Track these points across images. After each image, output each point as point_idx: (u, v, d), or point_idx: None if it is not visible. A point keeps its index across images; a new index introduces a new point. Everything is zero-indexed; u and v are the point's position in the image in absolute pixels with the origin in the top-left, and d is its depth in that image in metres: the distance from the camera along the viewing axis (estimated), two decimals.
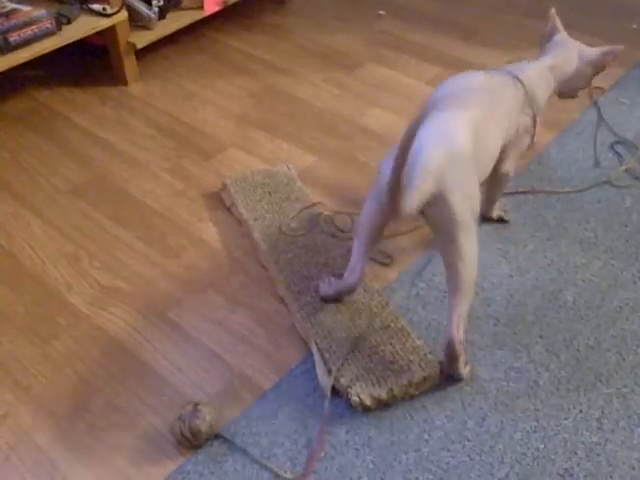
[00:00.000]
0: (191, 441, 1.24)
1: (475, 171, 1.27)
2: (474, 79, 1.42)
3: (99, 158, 1.95)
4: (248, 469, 1.22)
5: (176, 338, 1.45)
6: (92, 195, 1.82)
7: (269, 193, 1.74)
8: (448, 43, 2.46)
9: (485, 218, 1.67)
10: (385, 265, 1.59)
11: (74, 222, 1.73)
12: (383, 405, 1.30)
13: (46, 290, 1.56)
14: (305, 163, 1.90)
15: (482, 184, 1.37)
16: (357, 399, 1.28)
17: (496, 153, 1.41)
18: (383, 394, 1.29)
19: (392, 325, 1.41)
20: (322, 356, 1.35)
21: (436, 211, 1.21)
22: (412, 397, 1.32)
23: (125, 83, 2.23)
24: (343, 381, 1.30)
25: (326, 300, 1.46)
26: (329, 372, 1.32)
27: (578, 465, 1.22)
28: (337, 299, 1.46)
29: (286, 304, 1.50)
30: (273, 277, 1.55)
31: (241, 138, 2.00)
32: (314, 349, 1.37)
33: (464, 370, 1.33)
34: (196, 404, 1.26)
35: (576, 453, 1.23)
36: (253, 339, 1.45)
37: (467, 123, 1.28)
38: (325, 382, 1.32)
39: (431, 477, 1.20)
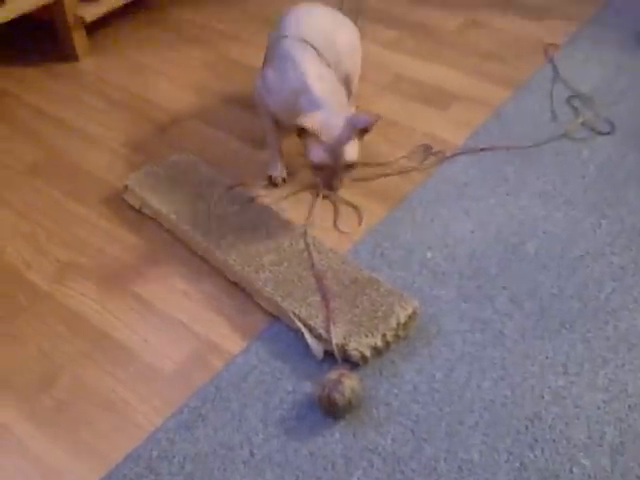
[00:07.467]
0: (327, 410, 1.22)
1: None
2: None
3: (53, 135, 1.90)
4: (220, 434, 1.21)
5: (141, 310, 1.44)
6: (48, 173, 1.78)
7: (178, 184, 1.65)
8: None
9: None
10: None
11: (30, 200, 1.69)
12: (377, 354, 1.31)
13: (4, 269, 1.53)
14: None
15: None
16: (357, 353, 1.28)
17: None
18: (378, 342, 1.30)
19: (359, 277, 1.42)
20: (306, 325, 1.34)
21: None
22: (399, 339, 1.34)
23: (76, 58, 2.17)
24: (337, 341, 1.29)
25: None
26: (319, 337, 1.32)
27: (546, 409, 1.24)
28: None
29: (243, 287, 1.45)
30: (219, 265, 1.49)
31: (198, 108, 1.97)
32: (296, 321, 1.35)
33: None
34: (342, 374, 1.22)
35: (543, 397, 1.25)
36: (219, 306, 1.44)
37: None
38: (317, 348, 1.31)
39: (402, 429, 1.21)
